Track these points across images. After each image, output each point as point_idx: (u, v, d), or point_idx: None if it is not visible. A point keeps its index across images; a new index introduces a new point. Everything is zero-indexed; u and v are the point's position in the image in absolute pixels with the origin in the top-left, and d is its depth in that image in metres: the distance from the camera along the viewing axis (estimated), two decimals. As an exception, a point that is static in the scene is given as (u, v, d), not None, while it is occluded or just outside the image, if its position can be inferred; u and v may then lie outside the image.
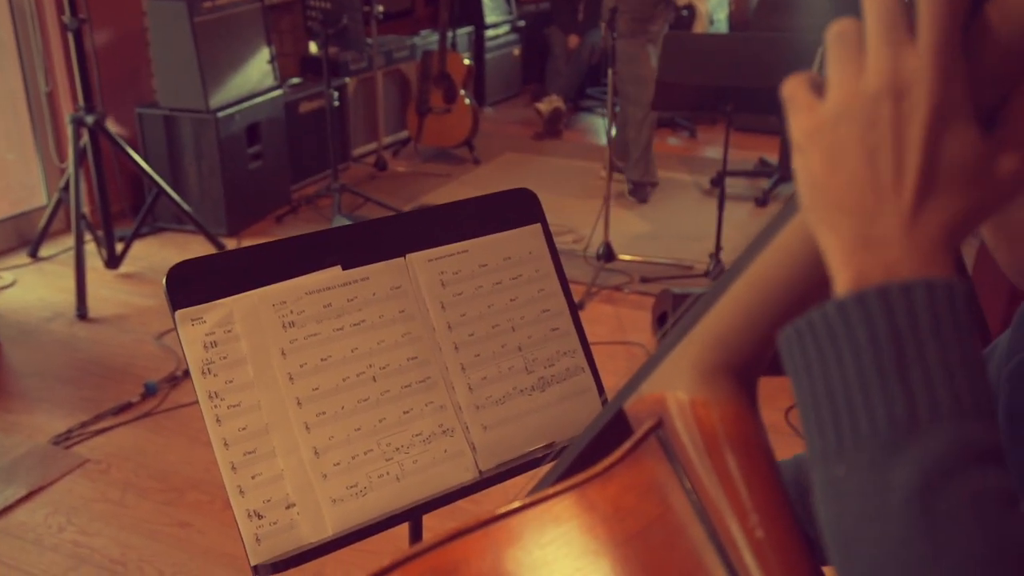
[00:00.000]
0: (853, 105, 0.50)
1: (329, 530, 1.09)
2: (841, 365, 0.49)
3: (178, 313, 1.06)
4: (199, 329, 1.08)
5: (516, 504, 0.62)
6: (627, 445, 0.62)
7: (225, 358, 1.08)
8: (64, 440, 2.74)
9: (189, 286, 1.09)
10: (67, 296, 3.64)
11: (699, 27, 5.59)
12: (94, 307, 3.60)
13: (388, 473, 1.14)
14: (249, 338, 1.10)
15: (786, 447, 3.04)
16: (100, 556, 2.28)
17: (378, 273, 1.20)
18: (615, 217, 4.19)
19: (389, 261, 1.21)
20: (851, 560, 0.48)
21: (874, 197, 0.50)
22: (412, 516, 1.15)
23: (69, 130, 3.79)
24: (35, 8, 4.22)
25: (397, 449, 1.15)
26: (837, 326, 0.49)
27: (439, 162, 5.65)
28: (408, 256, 1.22)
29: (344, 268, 1.18)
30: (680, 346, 0.61)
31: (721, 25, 6.59)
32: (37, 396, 3.02)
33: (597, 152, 5.46)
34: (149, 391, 2.95)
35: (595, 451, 0.66)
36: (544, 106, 6.21)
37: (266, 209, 4.69)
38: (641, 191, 4.86)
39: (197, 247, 4.11)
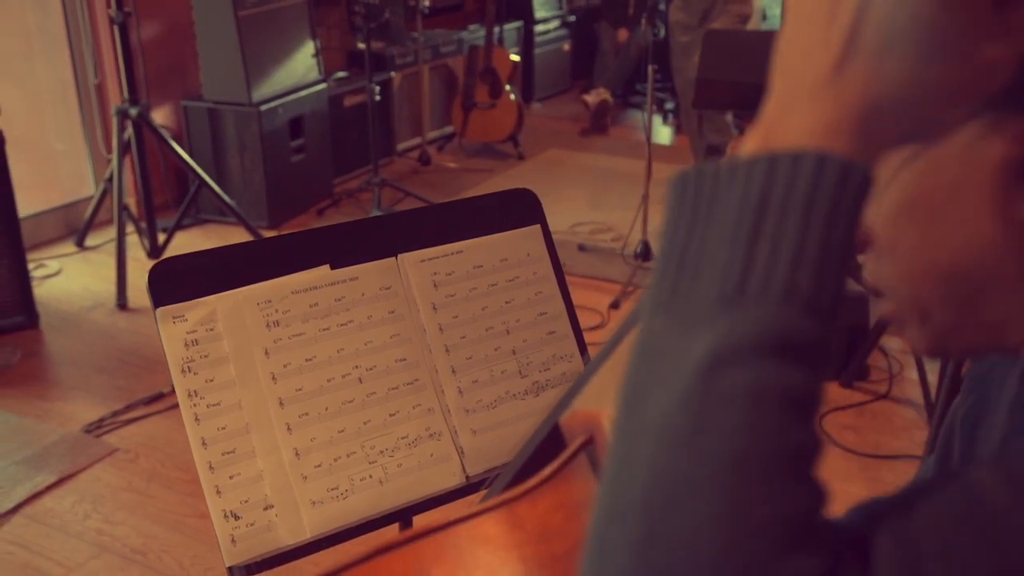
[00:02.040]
0: None
1: (307, 532, 1.08)
2: (705, 221, 0.45)
3: (159, 310, 1.06)
4: (180, 327, 1.07)
5: (446, 519, 0.61)
6: (557, 462, 0.60)
7: (206, 356, 1.08)
8: (96, 428, 2.79)
9: (173, 283, 1.08)
10: (109, 286, 3.70)
11: (752, 23, 5.49)
12: (134, 297, 3.66)
13: (371, 476, 1.13)
14: (232, 337, 1.09)
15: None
16: (121, 545, 2.31)
17: (368, 273, 1.18)
18: (656, 215, 4.14)
19: (379, 261, 1.19)
20: (629, 417, 0.45)
21: (805, 55, 0.45)
22: (393, 520, 1.13)
23: (114, 122, 3.85)
24: (85, 1, 4.29)
25: (381, 452, 1.14)
26: (717, 182, 0.45)
27: (484, 157, 5.64)
28: (399, 256, 1.20)
29: (333, 267, 1.17)
30: (613, 360, 0.59)
31: (776, 21, 6.47)
32: (73, 384, 3.07)
33: (644, 150, 5.40)
34: (181, 382, 2.99)
35: (534, 465, 0.64)
36: (591, 98, 6.16)
37: (308, 202, 4.72)
38: None
39: (238, 239, 4.15)
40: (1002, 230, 0.49)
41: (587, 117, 6.22)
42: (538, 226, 1.32)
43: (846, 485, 2.59)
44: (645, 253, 3.91)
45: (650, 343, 0.45)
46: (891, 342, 3.25)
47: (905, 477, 2.64)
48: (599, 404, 0.60)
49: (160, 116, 4.44)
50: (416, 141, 5.66)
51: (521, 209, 1.32)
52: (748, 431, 0.41)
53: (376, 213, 4.31)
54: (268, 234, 4.33)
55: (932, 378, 2.84)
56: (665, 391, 0.43)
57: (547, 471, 0.60)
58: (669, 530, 0.41)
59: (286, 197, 4.56)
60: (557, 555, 0.58)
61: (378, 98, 4.56)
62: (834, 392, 3.04)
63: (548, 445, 0.64)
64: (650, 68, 3.72)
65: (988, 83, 0.43)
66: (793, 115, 0.45)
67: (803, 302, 0.42)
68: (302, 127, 4.64)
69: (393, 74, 5.35)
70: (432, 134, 5.79)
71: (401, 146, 5.60)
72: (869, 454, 2.74)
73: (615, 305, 3.65)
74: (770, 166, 0.43)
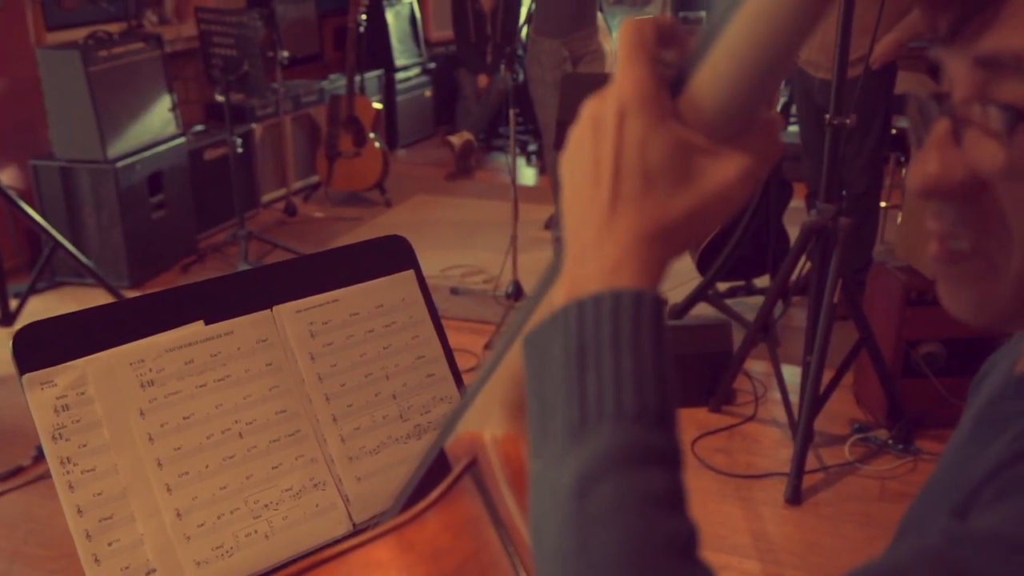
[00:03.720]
0: (574, 132, 0.55)
1: (193, 594, 1.06)
2: (546, 372, 0.52)
3: (25, 377, 1.03)
4: (49, 393, 1.04)
5: (338, 549, 0.63)
6: (443, 485, 0.63)
7: (78, 421, 1.05)
8: (-50, 508, 2.63)
9: (39, 348, 1.05)
10: (-42, 356, 3.50)
11: (607, 65, 5.69)
12: (-13, 367, 3.47)
13: (256, 531, 1.11)
14: (104, 400, 1.07)
15: (691, 478, 3.04)
16: (-15, 630, 2.18)
17: (243, 326, 1.18)
18: (525, 256, 4.22)
19: (255, 314, 1.19)
20: (538, 550, 0.50)
21: (582, 214, 0.53)
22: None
23: (-43, 185, 3.68)
24: (-79, 61, 4.10)
25: (266, 506, 1.13)
26: (545, 337, 0.52)
27: (350, 206, 5.62)
28: (275, 308, 1.20)
29: (207, 323, 1.16)
30: (489, 384, 0.63)
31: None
32: (-78, 463, 2.89)
33: (509, 192, 5.51)
34: (42, 454, 2.85)
35: (423, 490, 0.67)
36: (456, 139, 6.24)
37: (171, 259, 4.60)
38: None
39: (98, 301, 3.98)
40: None
41: (453, 159, 6.29)
42: (411, 271, 1.34)
43: (720, 505, 2.68)
44: (517, 293, 3.97)
45: (535, 484, 0.52)
46: (754, 366, 3.39)
47: (775, 496, 2.75)
48: (481, 426, 0.63)
49: (7, 177, 4.25)
50: (281, 192, 5.60)
51: (394, 255, 1.34)
52: (622, 537, 0.47)
53: (244, 267, 4.23)
54: (130, 294, 4.20)
55: (794, 398, 2.98)
56: (553, 521, 0.49)
57: (434, 494, 0.63)
58: None
59: (148, 255, 4.43)
60: (447, 572, 0.61)
61: (240, 150, 4.51)
62: (703, 417, 3.16)
63: (435, 470, 0.67)
64: (512, 112, 3.81)
65: (730, 199, 0.52)
66: (587, 264, 0.53)
67: (633, 416, 0.49)
68: (162, 182, 4.53)
69: (254, 125, 5.30)
70: (297, 184, 5.75)
71: (266, 198, 5.53)
72: (740, 475, 2.85)
73: (489, 346, 3.69)
74: (579, 312, 0.51)
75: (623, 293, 0.50)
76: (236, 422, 1.14)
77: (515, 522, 0.59)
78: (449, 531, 0.62)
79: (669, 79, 0.52)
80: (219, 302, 1.17)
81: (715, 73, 0.50)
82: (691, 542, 0.48)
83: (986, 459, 0.57)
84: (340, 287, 1.27)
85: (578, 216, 0.54)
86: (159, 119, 4.56)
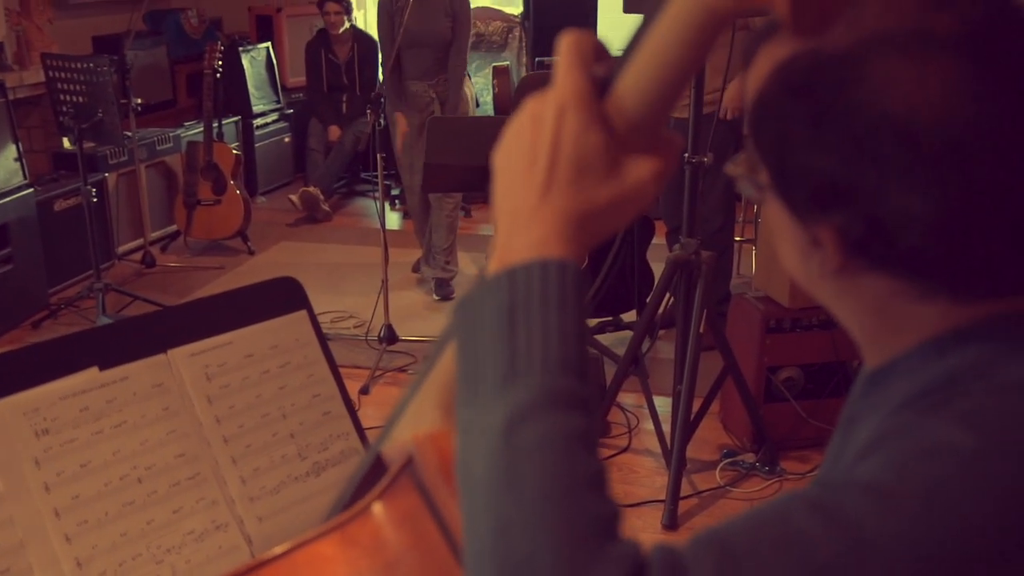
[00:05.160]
0: (511, 125, 0.62)
1: (97, 646, 1.03)
2: (478, 330, 0.58)
3: (-88, 431, 0.99)
4: (-62, 446, 1.01)
5: (283, 548, 0.66)
6: (382, 485, 0.67)
7: (-31, 475, 1.02)
8: None
9: (-76, 401, 1.02)
10: None
11: (470, 109, 5.79)
12: None
13: (159, 577, 1.10)
14: (-4, 451, 1.03)
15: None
16: None
17: (138, 372, 1.16)
18: (396, 299, 4.23)
19: (149, 358, 1.18)
20: (466, 489, 0.56)
21: (516, 193, 0.60)
22: (187, 620, 1.11)
23: None
24: None
25: (168, 551, 1.12)
26: (478, 300, 0.59)
27: (212, 255, 5.50)
28: (169, 352, 1.20)
29: (101, 369, 1.14)
30: (422, 390, 0.67)
31: (488, 107, 6.85)
32: None
33: (374, 236, 5.51)
34: None
35: (361, 494, 0.70)
36: (294, 197, 6.16)
37: (21, 315, 4.39)
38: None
39: (-58, 361, 3.77)
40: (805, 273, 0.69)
41: (301, 211, 6.20)
42: (304, 311, 1.36)
43: (602, 535, 2.74)
44: (390, 337, 3.96)
45: (464, 429, 0.57)
46: (626, 398, 3.50)
47: (653, 523, 2.84)
48: (416, 429, 0.68)
49: None
50: (138, 242, 5.43)
51: (285, 296, 1.36)
52: (548, 470, 0.53)
53: (104, 320, 4.08)
54: (-23, 352, 3.98)
55: (666, 427, 3.09)
56: (482, 458, 0.55)
57: (374, 492, 0.67)
58: (515, 561, 0.52)
59: (-5, 312, 4.22)
60: (391, 562, 0.65)
61: (94, 200, 4.36)
62: (580, 450, 3.22)
63: (373, 475, 0.71)
64: (379, 157, 3.84)
65: (642, 194, 0.61)
66: (518, 238, 0.59)
67: (558, 366, 0.55)
68: (8, 235, 4.34)
69: (107, 174, 5.14)
70: (155, 234, 5.58)
71: (121, 249, 5.35)
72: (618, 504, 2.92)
73: (364, 391, 3.68)
74: (510, 278, 0.58)
75: (550, 261, 0.57)
76: (134, 468, 1.12)
77: (452, 511, 0.63)
78: (390, 524, 0.66)
79: (598, 85, 0.60)
80: (113, 347, 1.16)
81: (633, 83, 0.59)
82: (606, 479, 0.55)
83: (850, 450, 0.67)
84: (233, 329, 1.27)
85: (511, 198, 0.61)
86: (4, 169, 4.37)
